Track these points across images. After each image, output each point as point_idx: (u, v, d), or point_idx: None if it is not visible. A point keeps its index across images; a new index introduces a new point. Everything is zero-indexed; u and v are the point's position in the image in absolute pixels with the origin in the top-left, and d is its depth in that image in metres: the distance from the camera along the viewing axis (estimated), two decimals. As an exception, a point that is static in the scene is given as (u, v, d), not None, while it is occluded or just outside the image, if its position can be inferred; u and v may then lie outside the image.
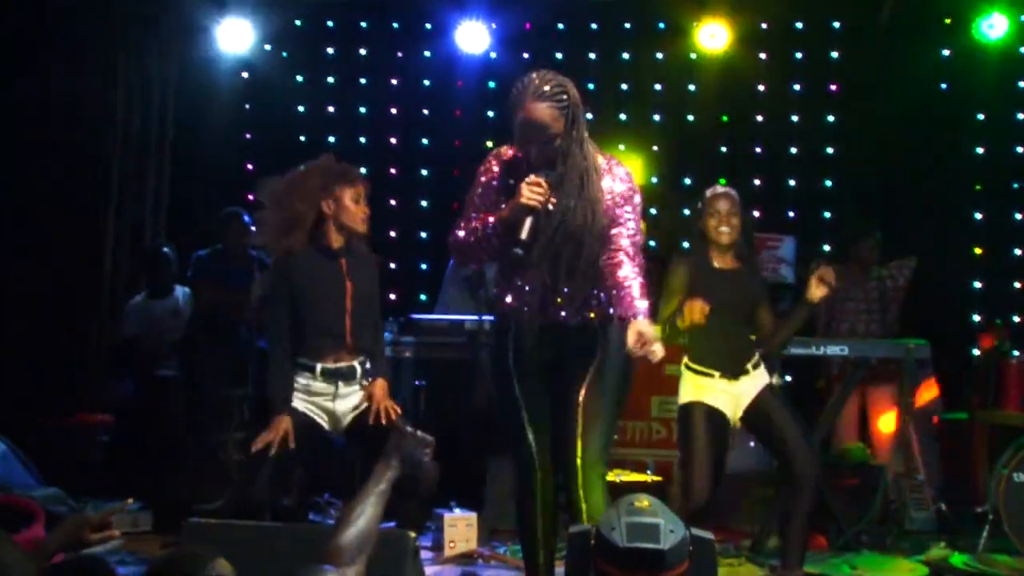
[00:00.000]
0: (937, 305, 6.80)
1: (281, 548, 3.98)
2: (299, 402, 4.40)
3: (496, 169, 3.88)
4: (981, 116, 7.64)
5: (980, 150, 7.65)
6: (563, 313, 3.83)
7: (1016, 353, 6.30)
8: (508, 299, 3.88)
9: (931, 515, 6.20)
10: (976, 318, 7.38)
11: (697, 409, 4.80)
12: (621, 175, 3.87)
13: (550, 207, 3.71)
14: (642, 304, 3.66)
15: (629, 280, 3.70)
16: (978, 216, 7.62)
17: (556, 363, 3.89)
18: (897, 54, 7.46)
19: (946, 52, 7.56)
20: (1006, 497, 5.58)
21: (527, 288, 3.83)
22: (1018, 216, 7.58)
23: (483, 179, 3.90)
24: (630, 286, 3.68)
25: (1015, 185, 7.57)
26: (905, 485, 6.25)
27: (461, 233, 3.84)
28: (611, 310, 3.80)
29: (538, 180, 3.66)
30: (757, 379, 4.86)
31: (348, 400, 4.46)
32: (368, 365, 4.50)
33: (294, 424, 4.30)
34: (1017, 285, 7.47)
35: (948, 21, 7.49)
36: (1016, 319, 7.11)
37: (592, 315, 3.85)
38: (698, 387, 4.83)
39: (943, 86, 7.60)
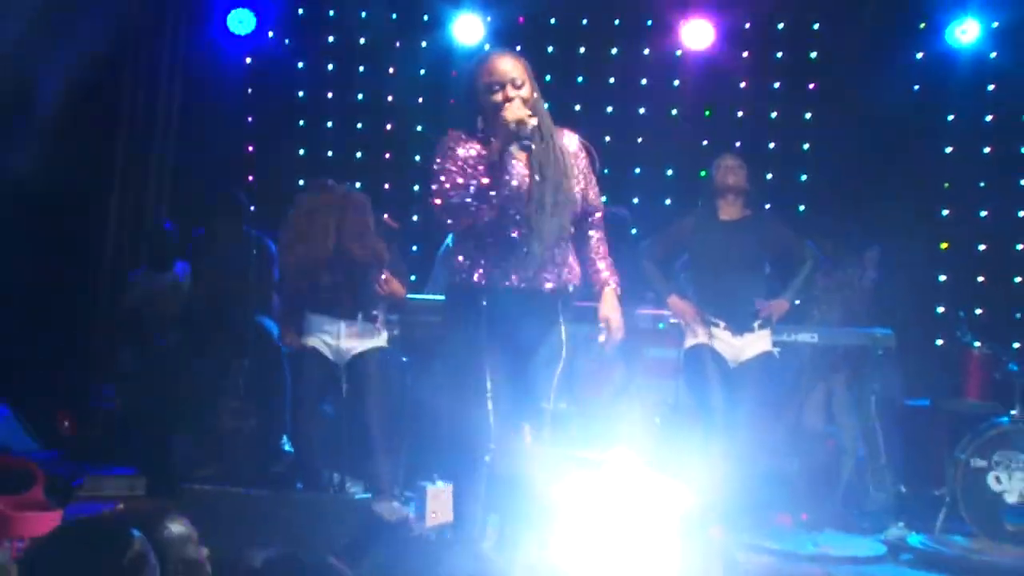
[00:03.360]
0: (904, 296, 6.79)
1: (270, 514, 4.00)
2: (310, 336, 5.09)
3: (460, 149, 3.77)
4: (951, 117, 7.59)
5: (949, 149, 7.61)
6: (548, 280, 3.79)
7: (977, 344, 6.28)
8: (482, 270, 3.77)
9: (891, 497, 6.22)
10: (940, 309, 7.37)
11: (704, 349, 5.06)
12: (576, 143, 3.94)
13: (536, 176, 3.70)
14: (614, 276, 3.87)
15: (604, 252, 3.91)
16: (945, 212, 7.60)
17: (526, 333, 3.79)
18: (873, 56, 7.42)
19: (919, 55, 7.52)
20: (963, 481, 5.59)
21: (513, 256, 3.76)
22: (983, 213, 7.55)
23: (451, 152, 3.76)
24: (605, 257, 3.90)
25: (981, 184, 7.52)
26: (868, 467, 6.27)
27: (451, 193, 3.69)
28: (574, 280, 3.85)
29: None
30: (760, 341, 4.98)
31: (352, 340, 5.10)
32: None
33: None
34: (980, 279, 7.44)
35: (923, 26, 7.46)
36: (978, 311, 7.10)
37: (566, 282, 3.84)
38: (704, 333, 5.05)
39: (916, 87, 7.56)
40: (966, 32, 7.16)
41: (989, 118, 7.58)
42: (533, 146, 3.65)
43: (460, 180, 3.67)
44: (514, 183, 3.71)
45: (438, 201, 3.70)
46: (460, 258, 3.82)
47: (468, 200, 3.65)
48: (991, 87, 7.52)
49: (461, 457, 3.87)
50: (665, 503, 3.87)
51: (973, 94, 7.49)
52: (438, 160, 3.76)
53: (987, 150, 7.57)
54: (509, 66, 3.74)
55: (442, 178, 3.70)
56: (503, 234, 3.75)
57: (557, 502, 3.72)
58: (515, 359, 3.78)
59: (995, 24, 7.17)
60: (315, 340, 5.17)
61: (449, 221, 3.72)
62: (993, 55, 7.35)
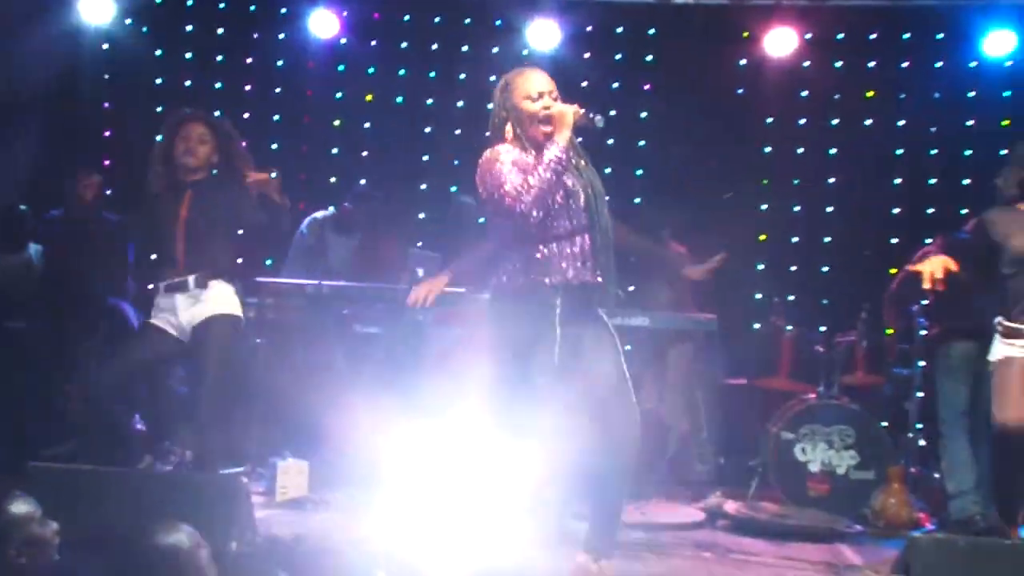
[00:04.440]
0: (726, 284, 7.01)
1: (120, 492, 3.91)
2: (154, 318, 4.71)
3: (509, 160, 3.76)
4: (770, 120, 7.86)
5: (768, 149, 7.89)
6: (599, 277, 3.81)
7: (789, 328, 6.55)
8: (550, 271, 3.75)
9: (712, 468, 6.43)
10: (758, 296, 7.63)
11: None
12: None
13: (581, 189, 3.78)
14: None
15: None
16: (764, 207, 7.87)
17: (583, 332, 3.78)
18: (702, 60, 7.62)
19: (743, 62, 7.76)
20: (774, 452, 5.85)
21: (578, 255, 3.78)
22: (796, 208, 7.85)
23: (504, 161, 3.75)
24: None
25: (796, 181, 7.82)
26: (691, 442, 6.48)
27: (524, 189, 3.67)
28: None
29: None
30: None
31: (189, 312, 4.65)
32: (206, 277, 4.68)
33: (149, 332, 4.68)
34: (793, 268, 7.74)
35: (746, 35, 7.69)
36: (791, 298, 7.38)
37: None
38: None
39: (740, 91, 7.80)
40: (782, 42, 7.40)
41: (802, 121, 7.88)
42: (598, 117, 3.79)
43: (527, 179, 3.67)
44: (570, 183, 3.77)
45: (522, 199, 3.66)
46: (534, 257, 3.76)
47: (538, 190, 3.65)
48: (804, 93, 7.82)
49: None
50: (503, 474, 3.95)
51: (789, 99, 7.77)
52: (495, 170, 3.74)
53: (800, 151, 7.87)
54: (545, 79, 3.85)
55: (510, 180, 3.69)
56: (567, 235, 3.77)
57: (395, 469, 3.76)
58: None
59: (808, 35, 7.44)
60: (159, 320, 4.75)
61: (535, 212, 3.67)
62: (806, 64, 7.63)
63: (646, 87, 8.07)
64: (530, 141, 3.81)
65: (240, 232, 4.87)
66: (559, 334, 3.67)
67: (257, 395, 5.83)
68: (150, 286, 4.77)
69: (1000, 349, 4.52)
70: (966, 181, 7.26)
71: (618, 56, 8.11)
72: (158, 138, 4.90)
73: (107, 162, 7.55)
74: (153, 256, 4.82)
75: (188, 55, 8.02)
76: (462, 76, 8.17)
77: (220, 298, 4.71)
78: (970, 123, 7.60)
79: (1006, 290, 4.51)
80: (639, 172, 8.03)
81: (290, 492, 5.43)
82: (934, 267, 4.29)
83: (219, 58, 8.09)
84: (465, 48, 8.18)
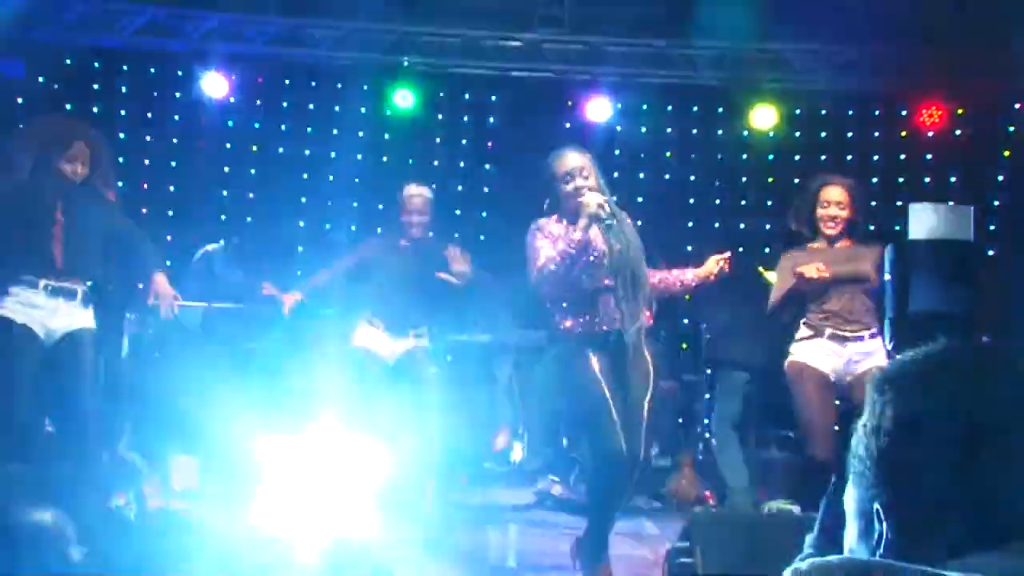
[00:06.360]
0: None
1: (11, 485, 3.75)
2: (22, 315, 4.06)
3: (547, 233, 3.71)
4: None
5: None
6: (626, 325, 3.68)
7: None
8: (580, 320, 3.66)
9: (542, 458, 6.51)
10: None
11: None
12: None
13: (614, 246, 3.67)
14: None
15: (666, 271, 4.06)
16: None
17: (616, 370, 3.66)
18: (534, 123, 7.81)
19: (567, 125, 7.95)
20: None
21: (609, 308, 3.66)
22: (612, 245, 8.14)
23: (541, 233, 3.70)
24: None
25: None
26: (525, 437, 6.60)
27: (547, 265, 3.58)
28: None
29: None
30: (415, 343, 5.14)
31: (66, 319, 4.13)
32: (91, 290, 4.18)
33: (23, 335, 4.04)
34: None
35: (570, 103, 7.93)
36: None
37: (643, 324, 3.73)
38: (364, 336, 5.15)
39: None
40: (600, 109, 7.65)
41: (616, 175, 8.01)
42: (614, 222, 3.67)
43: (551, 252, 3.60)
44: (594, 255, 3.66)
45: (539, 275, 3.60)
46: (561, 316, 3.69)
47: (557, 267, 3.57)
48: (617, 152, 8.07)
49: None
50: (368, 466, 3.96)
51: (604, 156, 7.55)
52: (533, 245, 3.68)
53: (614, 199, 8.01)
54: (576, 159, 3.75)
55: (539, 253, 3.63)
56: (591, 292, 3.67)
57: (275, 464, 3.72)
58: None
59: (619, 105, 7.75)
60: (29, 319, 4.09)
61: (547, 289, 3.63)
62: (618, 128, 7.93)
63: (489, 144, 8.25)
64: (566, 214, 3.76)
65: (112, 243, 4.37)
66: (596, 365, 3.64)
67: (153, 400, 5.68)
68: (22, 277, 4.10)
69: (794, 352, 4.43)
70: (742, 225, 7.66)
71: (466, 118, 8.27)
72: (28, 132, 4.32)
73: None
74: (19, 244, 4.15)
75: (95, 109, 7.80)
76: (335, 131, 8.21)
77: (90, 311, 4.22)
78: (744, 179, 8.05)
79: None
80: (484, 214, 8.19)
81: (182, 483, 5.32)
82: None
83: (122, 112, 7.90)
84: (337, 108, 8.22)
